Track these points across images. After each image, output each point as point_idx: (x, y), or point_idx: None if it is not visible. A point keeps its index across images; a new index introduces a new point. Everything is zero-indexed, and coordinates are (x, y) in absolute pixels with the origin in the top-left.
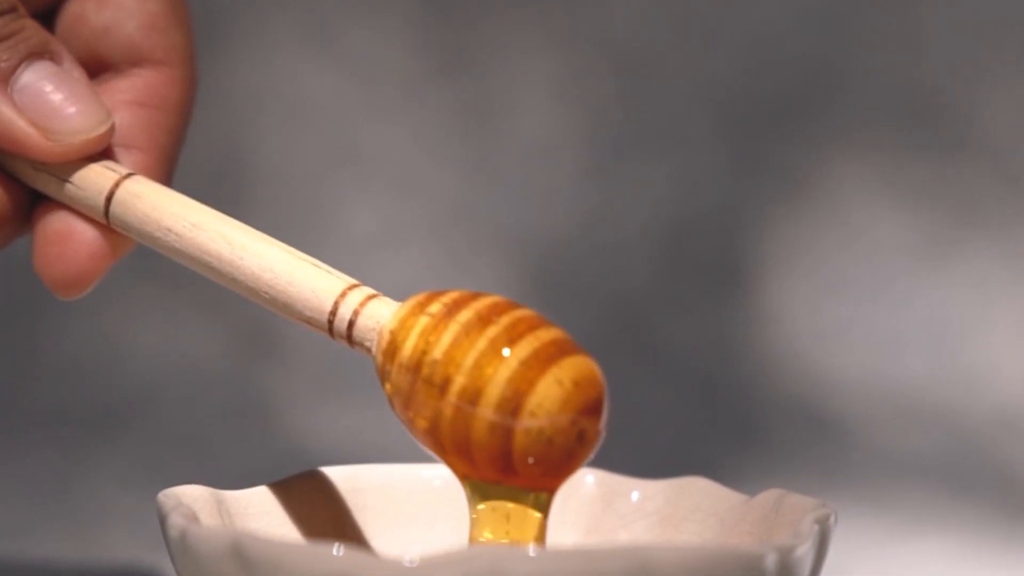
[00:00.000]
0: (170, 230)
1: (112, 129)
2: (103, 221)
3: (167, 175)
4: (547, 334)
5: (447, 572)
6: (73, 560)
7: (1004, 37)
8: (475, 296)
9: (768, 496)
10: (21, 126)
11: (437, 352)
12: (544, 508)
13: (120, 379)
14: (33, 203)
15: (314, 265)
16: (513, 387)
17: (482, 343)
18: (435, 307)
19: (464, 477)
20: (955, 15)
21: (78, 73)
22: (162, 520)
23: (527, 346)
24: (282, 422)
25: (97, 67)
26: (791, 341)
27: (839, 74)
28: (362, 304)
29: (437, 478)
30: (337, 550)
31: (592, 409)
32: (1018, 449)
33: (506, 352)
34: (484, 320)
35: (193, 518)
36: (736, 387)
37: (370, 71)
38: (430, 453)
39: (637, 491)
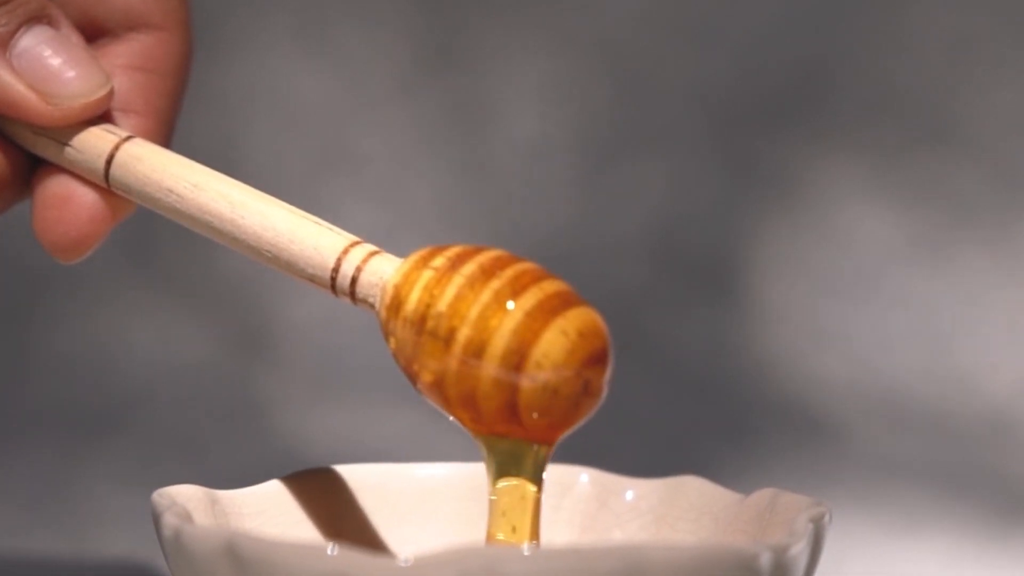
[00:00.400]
0: (171, 191)
1: (111, 93)
2: (103, 184)
3: (166, 138)
4: (551, 286)
5: (441, 571)
6: (68, 560)
7: (994, 38)
8: (478, 250)
9: (763, 495)
10: (20, 90)
11: (441, 305)
12: (542, 464)
13: (114, 380)
14: (32, 168)
15: (315, 223)
16: (518, 338)
17: (486, 296)
18: (438, 261)
19: (474, 432)
20: (946, 16)
21: (76, 38)
22: (156, 520)
23: (531, 298)
24: (276, 422)
25: (94, 32)
26: (784, 341)
27: (831, 75)
28: (365, 260)
29: (431, 477)
30: (331, 550)
31: (597, 359)
32: (1010, 449)
33: (510, 304)
34: (488, 273)
35: (187, 518)
36: (730, 387)
37: (363, 71)
38: (436, 406)
39: (632, 490)
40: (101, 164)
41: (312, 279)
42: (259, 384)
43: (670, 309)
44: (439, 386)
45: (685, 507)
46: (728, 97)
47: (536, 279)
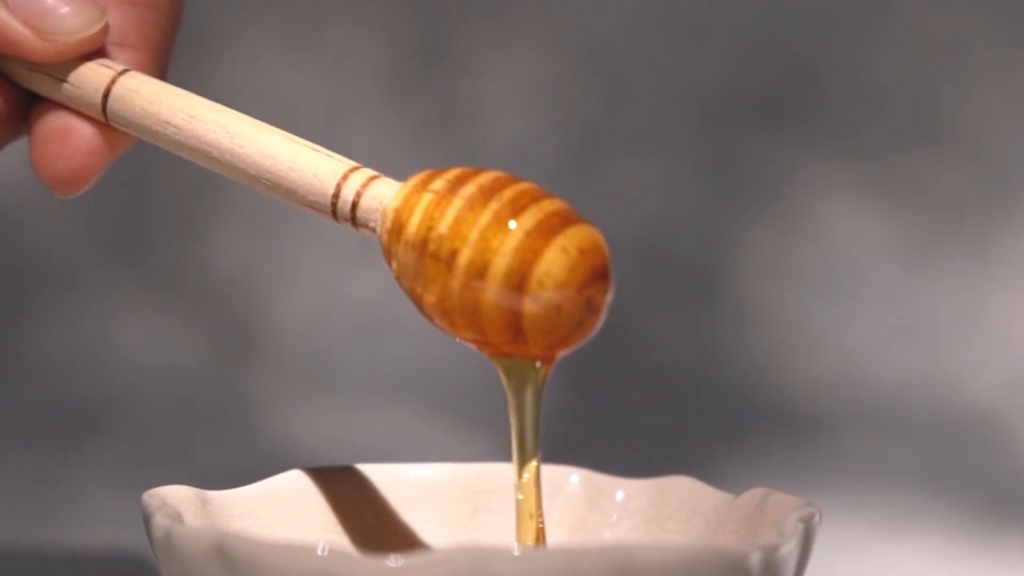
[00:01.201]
0: (168, 123)
1: (106, 28)
2: (101, 118)
3: (162, 71)
4: (550, 205)
5: (431, 572)
6: (57, 560)
7: (985, 38)
8: (477, 171)
9: (753, 495)
10: (15, 27)
11: (442, 227)
12: (542, 385)
13: (104, 380)
14: (29, 105)
15: (314, 150)
16: (519, 257)
17: (486, 216)
18: (438, 184)
19: (484, 352)
20: (933, 18)
21: None
22: (147, 520)
23: (531, 217)
24: (266, 422)
25: None
26: (773, 342)
27: (819, 77)
28: (364, 185)
29: (423, 478)
30: (321, 550)
31: (599, 276)
32: (1000, 450)
33: (511, 224)
34: (487, 194)
35: (178, 518)
36: (719, 387)
37: (351, 71)
38: (440, 328)
39: (622, 491)
40: (98, 98)
41: (313, 206)
42: (249, 384)
43: (658, 310)
44: (443, 308)
45: (675, 507)
46: (716, 98)
47: (535, 199)
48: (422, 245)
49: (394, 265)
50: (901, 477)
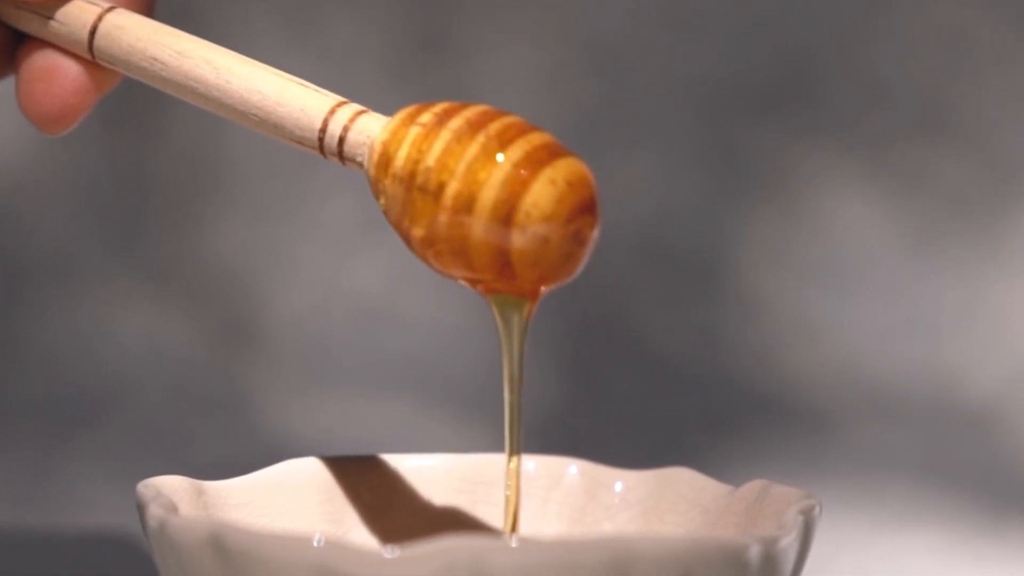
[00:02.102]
0: (155, 59)
1: None
2: (87, 56)
3: (148, 8)
4: (538, 138)
5: (427, 563)
6: (52, 551)
7: (984, 29)
8: (465, 105)
9: (752, 487)
10: None
11: (429, 160)
12: (526, 323)
13: (99, 371)
14: (16, 43)
15: (302, 85)
16: (507, 189)
17: (474, 149)
18: (425, 117)
19: (475, 288)
20: (935, 7)
21: None
22: (141, 511)
23: (518, 149)
24: (262, 413)
25: None
26: (774, 333)
27: (820, 67)
28: (351, 120)
29: (420, 468)
30: (317, 541)
31: (586, 208)
32: (1002, 442)
33: (499, 157)
34: (475, 127)
35: (172, 509)
36: (720, 378)
37: (350, 60)
38: (430, 266)
39: (621, 482)
40: (85, 35)
41: (300, 141)
42: (246, 375)
43: (659, 301)
44: (431, 241)
45: (674, 499)
46: (717, 89)
47: (523, 131)
48: (409, 178)
49: (382, 200)
50: (902, 469)
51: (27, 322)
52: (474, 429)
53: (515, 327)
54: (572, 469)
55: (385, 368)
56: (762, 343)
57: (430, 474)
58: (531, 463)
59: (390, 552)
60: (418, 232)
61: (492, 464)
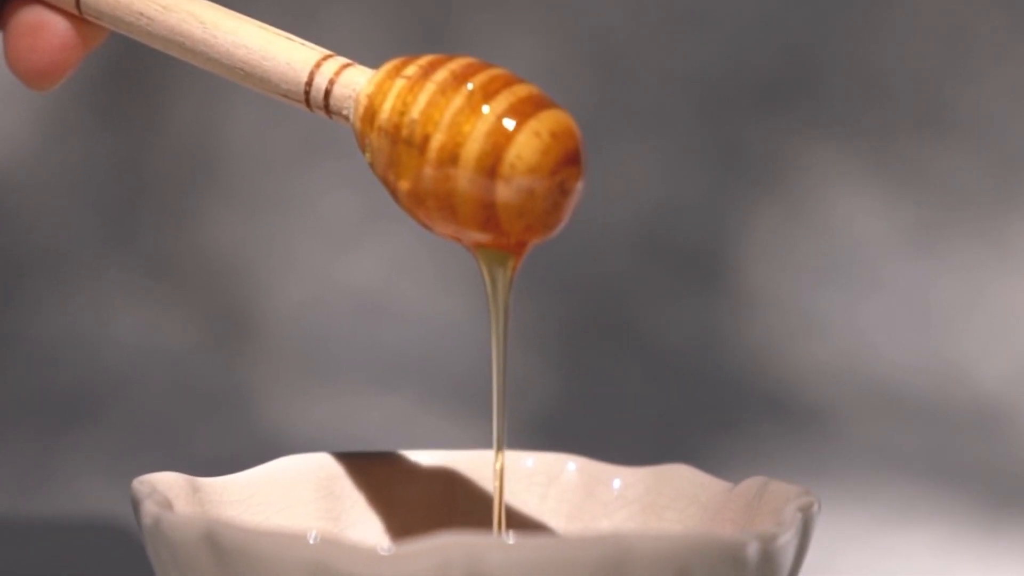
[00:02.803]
0: (141, 14)
1: None
2: (74, 12)
3: None
4: (522, 90)
5: (423, 560)
6: (48, 546)
7: (986, 24)
8: (450, 57)
9: (751, 484)
10: None
11: (414, 113)
12: (510, 281)
13: (95, 366)
14: (4, 1)
15: (288, 39)
16: (491, 141)
17: (458, 101)
18: (410, 70)
19: (464, 244)
20: (938, 2)
21: None
22: (136, 507)
23: (503, 101)
24: (260, 409)
25: None
26: (774, 329)
27: (822, 62)
28: (337, 73)
29: (417, 464)
30: (312, 538)
31: (571, 159)
32: (1001, 439)
33: (484, 109)
34: (460, 79)
35: (167, 505)
36: (719, 375)
37: (349, 54)
38: (418, 221)
39: (619, 479)
40: None
41: (286, 95)
42: (243, 370)
43: (659, 297)
44: (417, 194)
45: (673, 496)
46: (718, 84)
47: (507, 83)
48: (395, 131)
49: (368, 153)
50: (903, 466)
51: (24, 317)
52: (471, 424)
53: (500, 282)
54: (570, 466)
55: (382, 363)
56: (761, 339)
57: (427, 470)
58: (529, 460)
59: (385, 549)
60: (404, 185)
61: (488, 460)
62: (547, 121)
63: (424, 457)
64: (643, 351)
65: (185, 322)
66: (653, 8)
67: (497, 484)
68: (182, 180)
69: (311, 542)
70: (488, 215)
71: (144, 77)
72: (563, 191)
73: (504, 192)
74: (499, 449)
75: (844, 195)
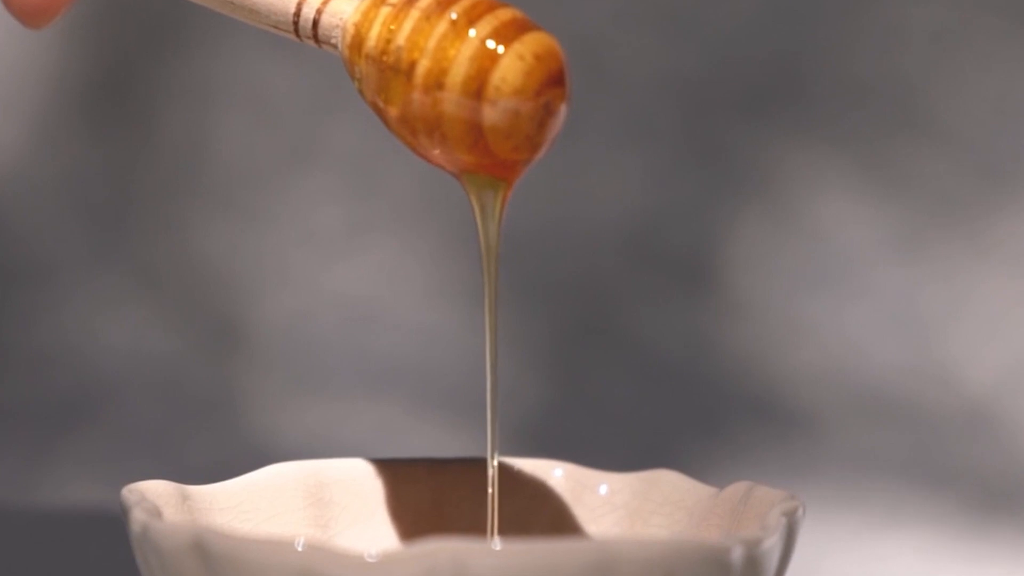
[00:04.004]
0: None
1: None
2: None
3: None
4: (506, 13)
5: (410, 567)
6: (39, 552)
7: (971, 29)
8: None
9: (737, 489)
10: None
11: (400, 39)
12: (502, 208)
13: (85, 374)
14: None
15: None
16: (476, 65)
17: (442, 26)
18: None
19: (451, 170)
20: (922, 8)
21: None
22: (125, 515)
23: (487, 25)
24: (249, 416)
25: None
26: (760, 334)
27: (808, 67)
28: (325, 3)
29: (406, 471)
30: (299, 545)
31: (555, 80)
32: (989, 444)
33: (470, 33)
34: (443, 5)
35: (156, 513)
36: (706, 380)
37: (338, 64)
38: (409, 147)
39: (605, 484)
40: None
41: (275, 26)
42: (233, 378)
43: (646, 302)
44: (406, 120)
45: (659, 501)
46: (704, 89)
47: (491, 8)
48: (381, 57)
49: (356, 81)
50: (889, 470)
51: (15, 325)
52: (461, 432)
53: (491, 209)
54: (557, 472)
55: (372, 371)
56: (748, 343)
57: (415, 478)
58: (516, 465)
59: (372, 556)
60: (393, 111)
61: (478, 467)
62: (531, 44)
63: (413, 464)
64: (629, 357)
65: (175, 330)
66: (639, 13)
67: (491, 491)
68: (173, 189)
69: (299, 549)
70: (476, 137)
71: (134, 87)
72: (548, 112)
73: (490, 114)
74: (492, 455)
75: (830, 200)
